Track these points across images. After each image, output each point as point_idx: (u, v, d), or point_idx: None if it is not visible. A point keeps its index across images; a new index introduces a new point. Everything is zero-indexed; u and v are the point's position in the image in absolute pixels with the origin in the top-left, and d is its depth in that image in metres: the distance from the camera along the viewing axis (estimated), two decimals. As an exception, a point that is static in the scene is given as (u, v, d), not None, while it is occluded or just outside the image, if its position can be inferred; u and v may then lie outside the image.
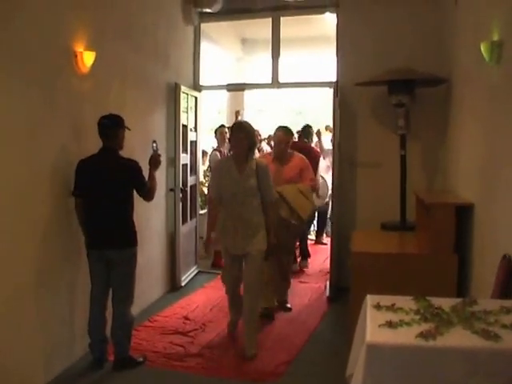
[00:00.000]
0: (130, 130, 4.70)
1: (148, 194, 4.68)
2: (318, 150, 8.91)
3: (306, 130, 8.70)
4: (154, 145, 4.86)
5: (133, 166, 4.57)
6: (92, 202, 4.50)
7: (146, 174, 4.68)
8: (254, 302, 5.01)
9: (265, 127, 12.17)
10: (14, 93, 3.82)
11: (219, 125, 9.07)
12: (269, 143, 10.35)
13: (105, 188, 4.48)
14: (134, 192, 4.62)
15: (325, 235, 10.26)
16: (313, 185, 6.22)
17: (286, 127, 6.20)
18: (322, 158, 8.54)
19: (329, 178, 8.01)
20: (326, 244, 9.36)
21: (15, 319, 3.92)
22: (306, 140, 8.53)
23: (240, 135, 4.96)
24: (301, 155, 6.21)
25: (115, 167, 4.52)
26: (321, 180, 8.30)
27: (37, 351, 4.23)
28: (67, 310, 4.63)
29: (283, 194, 5.70)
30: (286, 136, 6.09)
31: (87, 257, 4.58)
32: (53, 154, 4.34)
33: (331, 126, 7.30)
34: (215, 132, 8.89)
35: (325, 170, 8.82)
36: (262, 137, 10.56)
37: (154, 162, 4.79)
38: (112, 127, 4.52)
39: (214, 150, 8.42)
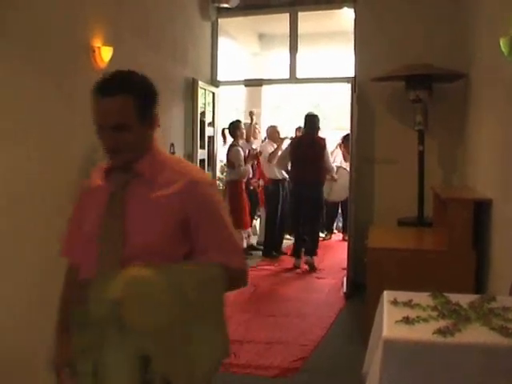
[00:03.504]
0: (159, 126, 4.72)
1: None
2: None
3: (309, 120, 7.92)
4: (172, 149, 4.89)
5: None
6: None
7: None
8: None
9: (283, 124, 11.96)
10: (31, 88, 3.84)
11: (235, 119, 8.93)
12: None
13: None
14: None
15: (336, 231, 10.26)
16: (238, 268, 2.04)
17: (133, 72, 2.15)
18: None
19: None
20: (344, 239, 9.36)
21: (29, 312, 3.95)
22: (310, 131, 7.88)
23: None
24: (199, 172, 2.24)
25: None
26: (336, 170, 8.18)
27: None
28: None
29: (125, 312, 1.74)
30: (123, 101, 2.01)
31: None
32: (70, 149, 4.36)
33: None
34: (223, 131, 8.81)
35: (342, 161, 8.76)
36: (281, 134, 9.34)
37: None
38: None
39: (233, 145, 8.33)
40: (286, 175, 8.58)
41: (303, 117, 8.04)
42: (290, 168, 8.16)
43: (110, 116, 2.00)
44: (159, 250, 1.94)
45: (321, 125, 8.09)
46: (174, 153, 4.89)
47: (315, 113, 8.16)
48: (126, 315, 1.73)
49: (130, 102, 1.99)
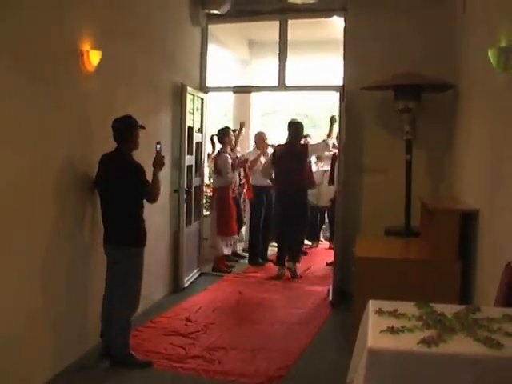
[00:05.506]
0: (144, 128, 4.71)
1: (149, 195, 4.66)
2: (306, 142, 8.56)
3: (291, 127, 7.78)
4: (158, 146, 4.83)
5: (132, 168, 4.57)
6: (100, 196, 4.67)
7: (150, 175, 4.68)
8: None
9: (272, 131, 11.91)
10: (20, 91, 3.82)
11: (224, 126, 8.83)
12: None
13: (106, 185, 4.61)
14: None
15: (322, 239, 10.25)
16: None
17: None
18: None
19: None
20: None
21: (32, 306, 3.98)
22: (292, 140, 7.77)
23: None
24: None
25: (117, 167, 4.59)
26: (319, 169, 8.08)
27: (52, 341, 4.31)
28: (82, 300, 4.76)
29: None
30: None
31: None
32: (58, 152, 4.34)
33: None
34: (211, 137, 8.76)
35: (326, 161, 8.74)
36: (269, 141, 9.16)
37: (158, 163, 4.77)
38: (119, 131, 4.58)
39: (222, 152, 8.27)
40: (271, 183, 8.58)
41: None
42: (273, 176, 8.04)
43: None
44: None
45: (311, 132, 8.04)
46: (160, 151, 4.80)
47: (298, 120, 8.06)
48: None
49: None
